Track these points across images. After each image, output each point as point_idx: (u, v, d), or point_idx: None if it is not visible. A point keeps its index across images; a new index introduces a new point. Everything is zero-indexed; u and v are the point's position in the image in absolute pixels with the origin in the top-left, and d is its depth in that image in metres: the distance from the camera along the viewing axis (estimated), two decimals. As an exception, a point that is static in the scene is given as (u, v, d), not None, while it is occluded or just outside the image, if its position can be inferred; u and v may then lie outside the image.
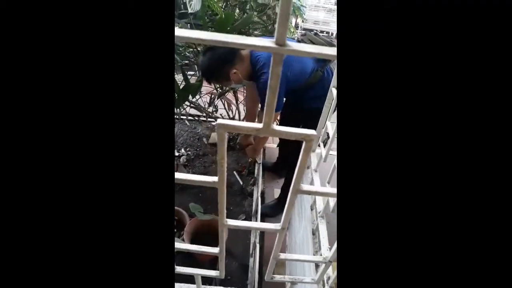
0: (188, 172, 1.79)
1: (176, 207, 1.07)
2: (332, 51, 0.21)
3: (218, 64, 1.03)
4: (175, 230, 1.02)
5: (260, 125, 0.26)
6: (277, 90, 0.24)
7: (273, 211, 1.51)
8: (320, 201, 0.82)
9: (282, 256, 0.44)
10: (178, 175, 0.31)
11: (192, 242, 1.00)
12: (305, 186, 0.33)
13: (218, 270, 0.49)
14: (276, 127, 0.27)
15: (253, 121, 1.77)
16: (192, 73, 1.67)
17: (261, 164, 1.61)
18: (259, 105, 1.42)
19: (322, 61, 1.10)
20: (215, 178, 0.32)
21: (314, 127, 1.14)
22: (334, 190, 0.34)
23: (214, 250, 0.43)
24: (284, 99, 1.30)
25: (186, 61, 1.59)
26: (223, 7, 1.41)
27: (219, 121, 0.26)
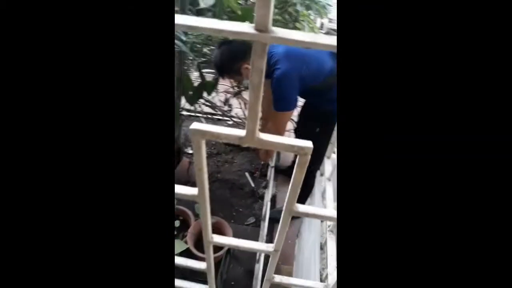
0: (200, 171, 1.78)
1: (181, 207, 1.05)
2: (329, 40, 0.16)
3: (230, 58, 1.00)
4: (178, 231, 1.00)
5: (243, 133, 0.22)
6: (261, 88, 0.19)
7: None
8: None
9: (277, 279, 0.39)
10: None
11: (196, 243, 0.97)
12: (301, 207, 0.28)
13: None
14: (262, 135, 0.22)
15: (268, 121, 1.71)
16: (210, 70, 1.65)
17: (273, 167, 1.55)
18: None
19: None
20: (194, 190, 0.28)
21: (332, 131, 1.07)
22: (335, 213, 0.28)
23: (201, 265, 0.39)
24: (304, 99, 1.23)
25: (204, 59, 1.57)
26: (244, 3, 1.37)
27: (194, 125, 0.22)
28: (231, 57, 1.00)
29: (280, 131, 1.09)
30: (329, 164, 0.94)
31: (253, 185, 1.63)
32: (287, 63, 0.95)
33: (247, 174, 1.71)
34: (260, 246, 0.33)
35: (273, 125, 1.11)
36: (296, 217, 1.46)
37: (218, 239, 0.33)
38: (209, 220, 0.31)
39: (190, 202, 1.43)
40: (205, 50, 1.58)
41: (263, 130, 1.75)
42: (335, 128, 0.91)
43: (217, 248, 0.97)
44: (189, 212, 1.04)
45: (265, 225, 1.22)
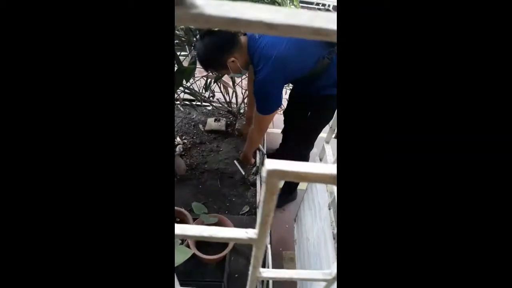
0: (185, 162, 1.69)
1: (177, 208, 0.98)
2: None
3: (215, 52, 0.91)
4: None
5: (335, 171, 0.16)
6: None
7: (277, 202, 1.44)
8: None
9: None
10: (205, 230, 0.21)
11: (198, 245, 0.92)
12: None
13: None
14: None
15: (253, 106, 1.64)
16: (184, 53, 1.51)
17: (263, 153, 1.51)
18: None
19: (330, 47, 0.96)
20: (252, 233, 0.22)
21: (325, 115, 1.04)
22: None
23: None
24: (291, 85, 1.18)
25: (177, 41, 1.42)
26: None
27: (270, 165, 0.16)
28: (216, 50, 0.91)
29: (262, 130, 1.07)
30: (329, 149, 0.91)
31: (243, 172, 1.58)
32: (269, 64, 0.88)
33: (235, 162, 1.66)
34: (317, 275, 0.29)
35: (255, 125, 1.09)
36: (292, 201, 1.46)
37: (266, 273, 0.28)
38: (260, 260, 0.26)
39: (187, 202, 1.35)
40: (177, 31, 1.43)
41: (248, 120, 1.68)
42: (329, 113, 0.88)
43: (222, 246, 0.93)
44: (186, 213, 0.98)
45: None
